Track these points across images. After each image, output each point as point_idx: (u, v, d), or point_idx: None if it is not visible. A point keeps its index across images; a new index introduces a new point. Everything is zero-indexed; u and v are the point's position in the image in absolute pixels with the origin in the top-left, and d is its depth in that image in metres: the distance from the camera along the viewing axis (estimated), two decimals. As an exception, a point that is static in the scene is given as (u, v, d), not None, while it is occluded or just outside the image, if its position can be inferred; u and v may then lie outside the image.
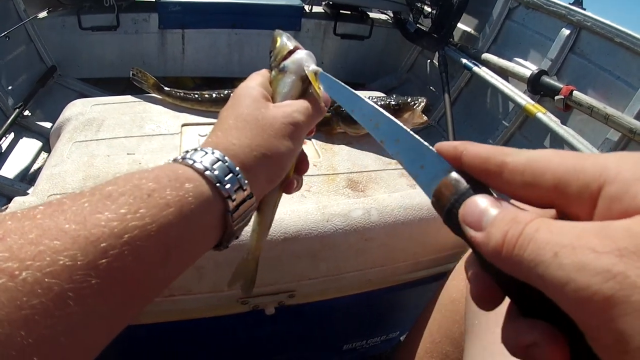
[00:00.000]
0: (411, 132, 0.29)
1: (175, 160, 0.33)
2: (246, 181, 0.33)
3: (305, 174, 0.72)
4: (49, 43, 2.15)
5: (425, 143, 0.28)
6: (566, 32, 1.79)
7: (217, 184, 0.31)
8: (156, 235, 0.27)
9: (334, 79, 0.40)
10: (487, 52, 2.07)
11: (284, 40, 0.44)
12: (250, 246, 0.44)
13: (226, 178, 0.32)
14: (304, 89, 0.42)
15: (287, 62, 0.42)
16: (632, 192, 0.18)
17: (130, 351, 0.77)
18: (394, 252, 0.72)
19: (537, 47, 1.96)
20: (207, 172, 0.31)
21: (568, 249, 0.18)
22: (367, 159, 0.80)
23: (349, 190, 0.71)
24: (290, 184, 0.42)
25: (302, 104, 0.40)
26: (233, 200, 0.32)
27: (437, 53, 2.17)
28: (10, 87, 1.92)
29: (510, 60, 1.96)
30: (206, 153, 0.33)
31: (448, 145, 0.26)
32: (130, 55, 2.28)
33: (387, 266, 0.73)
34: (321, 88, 0.40)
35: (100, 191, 0.27)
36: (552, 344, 0.20)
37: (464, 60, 2.06)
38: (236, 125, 0.36)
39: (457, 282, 0.67)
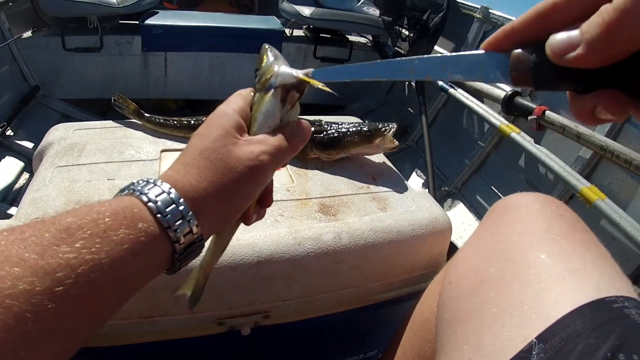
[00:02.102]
0: (448, 54, 0.30)
1: (134, 190, 0.34)
2: (197, 225, 0.35)
3: (279, 199, 0.76)
4: (33, 63, 2.16)
5: (468, 52, 0.29)
6: (539, 54, 1.85)
7: (167, 229, 0.33)
8: (109, 269, 0.29)
9: (333, 67, 0.39)
10: (463, 74, 2.12)
11: (270, 61, 0.41)
12: (203, 262, 0.43)
13: (177, 223, 0.33)
14: (282, 118, 0.41)
15: (272, 79, 0.40)
16: None
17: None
18: (366, 273, 0.75)
19: (511, 70, 2.01)
20: (159, 216, 0.33)
21: None
22: (340, 184, 0.83)
23: (320, 215, 0.74)
24: (249, 217, 0.42)
25: (274, 143, 0.39)
26: (181, 244, 0.34)
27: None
28: None
29: (485, 82, 2.01)
30: (163, 192, 0.34)
31: (494, 36, 0.28)
32: (113, 77, 2.30)
33: (359, 287, 0.76)
34: (323, 83, 0.39)
35: (59, 222, 0.29)
36: None
37: (440, 82, 2.11)
38: (199, 162, 0.37)
39: (429, 302, 0.69)
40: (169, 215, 0.33)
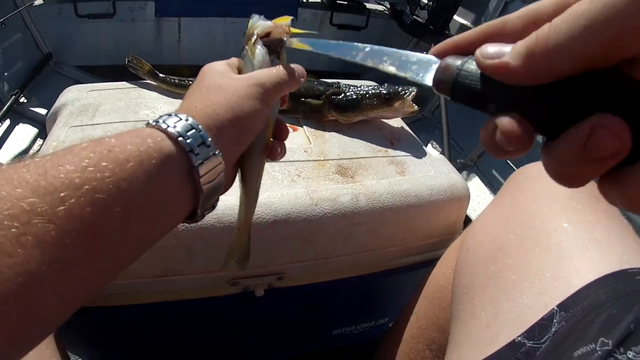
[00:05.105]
0: (395, 50, 0.32)
1: (156, 122, 0.34)
2: (209, 137, 0.34)
3: (296, 160, 0.74)
4: (45, 30, 2.15)
5: (413, 52, 0.31)
6: (561, 24, 1.79)
7: (179, 138, 0.32)
8: (115, 188, 0.28)
9: (308, 39, 0.41)
10: (482, 44, 2.07)
11: (255, 20, 0.43)
12: (239, 219, 0.44)
13: (188, 133, 0.33)
14: (271, 62, 0.42)
15: (254, 33, 0.42)
16: None
17: (123, 330, 0.79)
18: (382, 237, 0.74)
19: (532, 40, 1.95)
20: (169, 129, 0.32)
21: None
22: (358, 146, 0.82)
23: (338, 176, 0.73)
24: (273, 149, 0.42)
25: (269, 70, 0.41)
26: (197, 155, 0.33)
27: (432, 45, 2.17)
28: (6, 74, 1.91)
29: (505, 52, 1.96)
30: (169, 116, 0.34)
31: (440, 45, 0.28)
32: (126, 43, 2.28)
33: (375, 251, 0.75)
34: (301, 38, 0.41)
35: (63, 148, 0.29)
36: (614, 121, 0.20)
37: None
38: (199, 94, 0.38)
39: (445, 270, 0.69)
40: (178, 128, 0.33)
